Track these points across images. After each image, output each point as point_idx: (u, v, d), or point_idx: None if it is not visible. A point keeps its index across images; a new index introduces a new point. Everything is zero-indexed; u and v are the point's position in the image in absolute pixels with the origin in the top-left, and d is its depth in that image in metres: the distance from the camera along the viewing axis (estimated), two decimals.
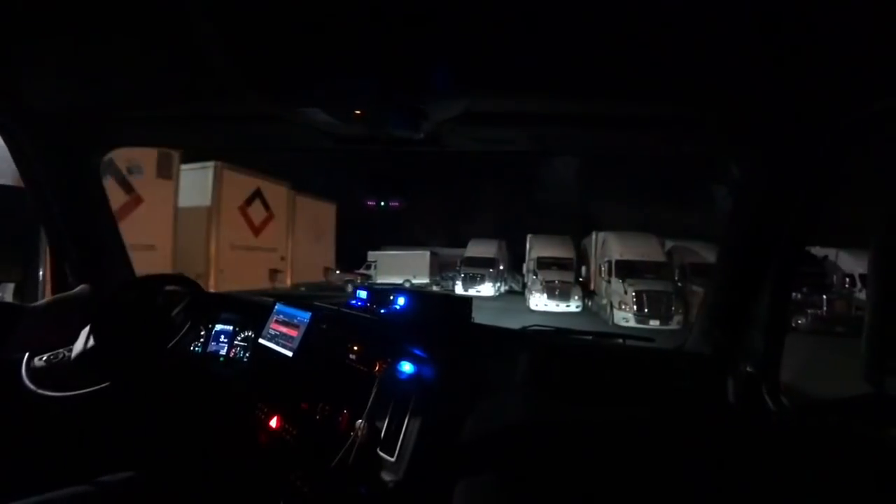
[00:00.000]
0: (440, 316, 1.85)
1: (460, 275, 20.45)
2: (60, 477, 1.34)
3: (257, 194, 11.47)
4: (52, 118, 1.73)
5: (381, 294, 1.96)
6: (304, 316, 1.90)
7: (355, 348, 1.72)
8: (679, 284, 15.03)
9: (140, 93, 1.56)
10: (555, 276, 17.18)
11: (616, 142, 1.78)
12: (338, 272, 22.27)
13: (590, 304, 17.41)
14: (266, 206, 11.77)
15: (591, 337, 2.08)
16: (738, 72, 1.15)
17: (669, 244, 17.05)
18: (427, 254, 28.79)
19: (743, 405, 1.49)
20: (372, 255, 29.46)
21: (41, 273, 2.31)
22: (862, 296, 13.69)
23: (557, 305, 16.17)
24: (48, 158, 1.88)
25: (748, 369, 1.50)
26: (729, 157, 1.60)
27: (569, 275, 17.50)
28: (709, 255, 15.79)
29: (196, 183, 9.83)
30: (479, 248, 21.41)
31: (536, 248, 19.01)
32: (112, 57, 1.29)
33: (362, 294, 2.02)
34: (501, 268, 21.62)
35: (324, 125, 1.58)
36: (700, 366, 1.64)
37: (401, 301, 1.84)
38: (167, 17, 1.06)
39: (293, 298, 2.11)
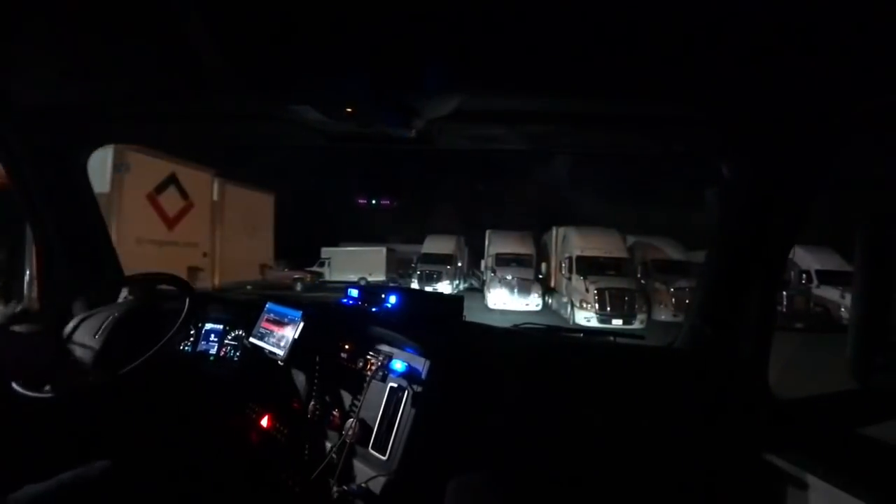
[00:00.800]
0: (432, 314, 1.81)
1: (416, 272, 19.70)
2: (48, 477, 1.30)
3: (171, 180, 9.97)
4: (38, 115, 1.71)
5: (373, 292, 1.93)
6: (295, 314, 1.82)
7: (346, 347, 1.72)
8: (642, 282, 14.74)
9: (129, 90, 1.53)
10: (514, 273, 16.45)
11: (608, 140, 1.84)
12: (286, 270, 21.58)
13: (550, 301, 16.96)
14: (183, 194, 10.29)
15: (582, 334, 2.20)
16: (730, 73, 1.17)
17: (631, 240, 16.78)
18: (383, 250, 28.14)
19: (733, 401, 1.51)
20: (325, 252, 28.52)
21: (27, 273, 2.23)
22: (820, 292, 14.06)
23: (516, 304, 15.52)
24: (34, 156, 1.87)
25: (738, 365, 1.55)
26: (719, 157, 1.60)
27: (528, 272, 16.92)
28: (671, 251, 15.84)
29: (91, 166, 8.20)
30: (436, 245, 20.57)
31: (495, 244, 18.37)
32: (101, 53, 1.27)
33: (354, 292, 1.99)
34: (460, 264, 20.97)
35: (315, 123, 1.59)
36: (690, 362, 1.68)
37: (392, 299, 1.80)
38: (156, 12, 1.04)
39: (284, 297, 2.08)
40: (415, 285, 18.88)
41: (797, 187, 1.40)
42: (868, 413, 1.46)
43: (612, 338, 1.98)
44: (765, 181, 1.46)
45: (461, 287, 21.34)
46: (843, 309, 13.64)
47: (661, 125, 1.53)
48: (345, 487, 1.40)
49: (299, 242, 27.11)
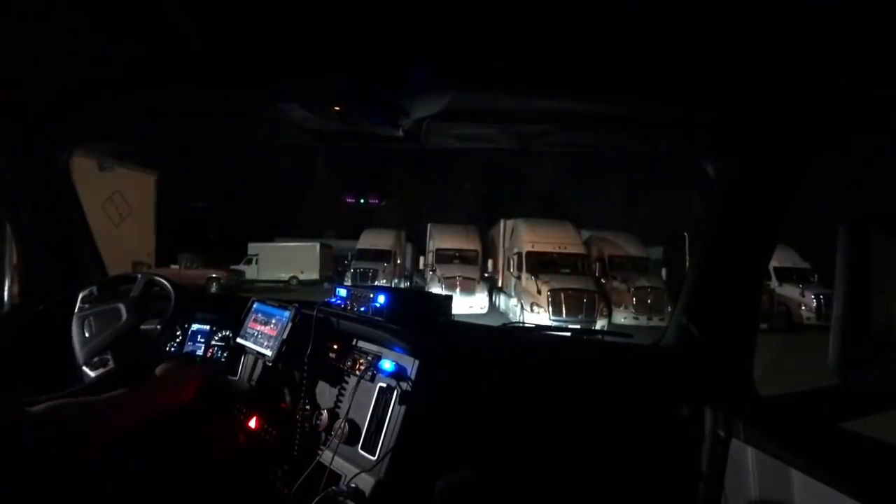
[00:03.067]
0: (420, 313, 1.78)
1: (350, 270, 17.81)
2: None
3: None
4: (16, 112, 1.70)
5: (360, 292, 1.87)
6: (283, 315, 1.81)
7: (335, 347, 1.74)
8: (602, 281, 13.46)
9: (111, 87, 1.51)
10: (456, 271, 14.85)
11: (595, 140, 1.88)
12: (198, 267, 19.30)
13: (498, 303, 15.55)
14: None
15: (569, 333, 2.35)
16: (716, 74, 1.19)
17: (587, 234, 15.61)
18: (316, 246, 26.37)
19: (718, 399, 1.54)
20: (253, 248, 26.58)
21: (7, 274, 2.11)
22: (781, 291, 13.96)
23: (459, 305, 13.68)
24: (13, 154, 1.87)
25: (723, 363, 1.59)
26: (704, 157, 1.64)
27: (473, 270, 15.34)
28: (631, 247, 14.82)
29: None
30: (373, 240, 18.76)
31: (436, 239, 16.82)
32: (82, 49, 1.26)
33: (342, 292, 1.94)
34: (400, 262, 19.16)
35: (301, 121, 1.63)
36: (676, 361, 1.72)
37: (381, 299, 1.74)
38: (140, 6, 1.03)
39: (272, 297, 2.06)
40: (348, 283, 16.85)
41: (781, 187, 1.45)
42: (848, 408, 1.52)
43: (599, 336, 2.12)
44: (750, 181, 1.51)
45: (402, 287, 19.48)
46: (803, 307, 13.61)
47: (647, 125, 1.57)
48: (334, 488, 1.36)
49: (221, 235, 25.30)
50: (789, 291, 13.83)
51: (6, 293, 2.14)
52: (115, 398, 1.21)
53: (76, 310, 1.69)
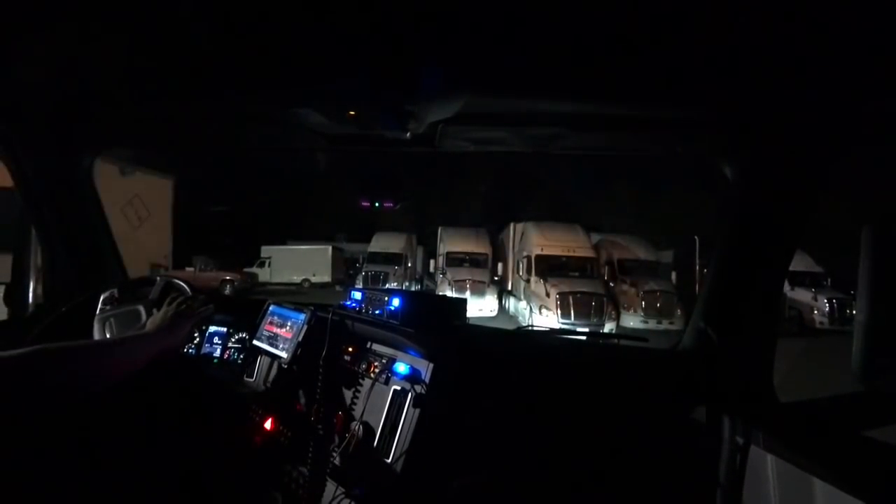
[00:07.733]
0: (434, 316, 1.76)
1: (361, 273, 18.04)
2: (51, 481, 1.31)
3: None
4: (41, 118, 1.75)
5: (375, 295, 1.88)
6: (299, 317, 1.84)
7: (350, 349, 1.76)
8: (611, 284, 13.38)
9: (131, 94, 1.56)
10: (466, 274, 14.85)
11: (610, 142, 1.87)
12: (213, 269, 19.91)
13: (507, 305, 15.54)
14: None
15: (585, 338, 2.43)
16: (734, 75, 1.18)
17: (596, 238, 15.55)
18: (329, 249, 26.74)
19: (737, 405, 1.51)
20: (266, 251, 26.91)
21: (31, 275, 2.19)
22: (793, 295, 13.63)
23: (468, 308, 13.55)
24: (38, 159, 1.91)
25: (742, 367, 1.56)
26: (722, 159, 1.62)
27: (482, 273, 15.36)
28: (641, 250, 14.73)
29: None
30: (384, 243, 19.01)
31: (447, 242, 16.88)
32: (104, 56, 1.28)
33: (356, 295, 1.95)
34: (411, 265, 19.42)
35: (316, 125, 1.66)
36: (693, 366, 1.69)
37: (395, 302, 1.74)
38: (158, 13, 1.05)
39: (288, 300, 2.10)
40: (359, 286, 17.00)
41: (801, 189, 1.42)
42: (873, 415, 1.50)
43: (615, 340, 2.04)
44: (768, 183, 1.49)
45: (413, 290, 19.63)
46: (816, 312, 13.32)
47: (664, 127, 1.58)
48: (349, 490, 1.41)
49: (233, 238, 25.63)
50: (802, 296, 13.53)
51: (31, 294, 2.19)
52: (112, 342, 1.27)
53: (97, 311, 1.77)
